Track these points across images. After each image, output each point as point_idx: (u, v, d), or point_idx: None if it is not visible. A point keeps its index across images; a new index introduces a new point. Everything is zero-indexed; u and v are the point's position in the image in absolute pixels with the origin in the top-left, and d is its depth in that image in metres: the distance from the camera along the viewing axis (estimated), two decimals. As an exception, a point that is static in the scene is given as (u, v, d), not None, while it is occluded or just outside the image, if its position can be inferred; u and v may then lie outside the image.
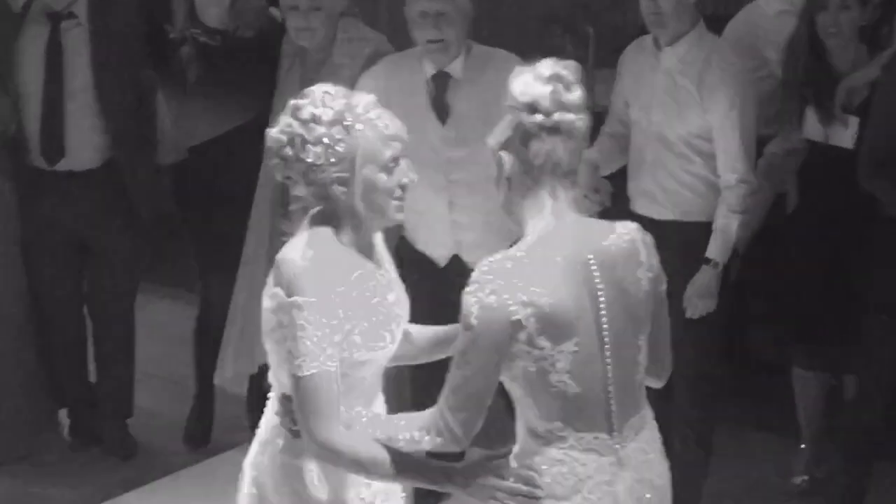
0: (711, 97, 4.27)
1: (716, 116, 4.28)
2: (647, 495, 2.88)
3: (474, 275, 2.73)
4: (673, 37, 4.30)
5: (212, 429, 5.16)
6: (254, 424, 3.02)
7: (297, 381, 2.76)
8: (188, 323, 5.21)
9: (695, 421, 4.47)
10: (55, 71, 4.70)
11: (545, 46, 5.08)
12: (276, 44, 4.76)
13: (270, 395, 2.94)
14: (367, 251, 2.92)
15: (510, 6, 6.82)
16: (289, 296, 2.75)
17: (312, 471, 2.88)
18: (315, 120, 2.79)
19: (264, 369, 2.96)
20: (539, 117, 2.73)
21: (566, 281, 2.75)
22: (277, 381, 2.88)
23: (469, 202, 4.45)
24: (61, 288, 5.01)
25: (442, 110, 4.31)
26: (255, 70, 4.80)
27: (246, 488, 2.98)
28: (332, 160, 2.80)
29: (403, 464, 2.76)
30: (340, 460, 2.78)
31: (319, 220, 2.89)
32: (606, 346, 2.79)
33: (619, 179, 4.59)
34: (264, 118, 4.36)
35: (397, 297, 2.95)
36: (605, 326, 2.79)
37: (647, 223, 4.31)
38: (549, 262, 2.75)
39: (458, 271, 3.73)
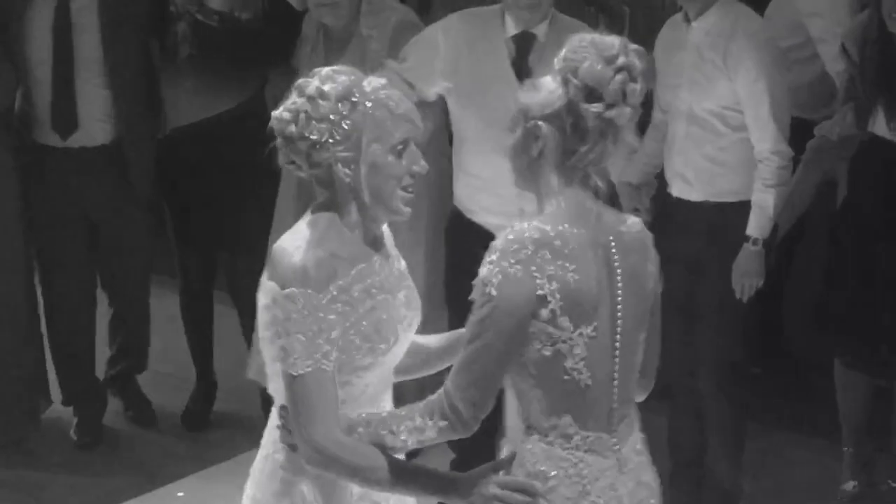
0: (737, 66, 4.25)
1: (742, 85, 4.25)
2: (652, 501, 2.85)
3: (496, 243, 2.64)
4: (701, 9, 4.28)
5: (210, 412, 5.20)
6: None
7: (290, 380, 2.66)
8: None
9: (728, 406, 4.46)
10: (64, 43, 4.70)
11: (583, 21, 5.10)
12: (281, 28, 4.79)
13: (273, 408, 2.84)
14: (373, 244, 2.81)
15: None
16: (283, 288, 2.64)
17: (311, 491, 2.78)
18: (321, 95, 2.69)
19: None
20: (599, 107, 2.63)
21: (591, 260, 2.68)
22: (277, 391, 2.78)
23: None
24: (73, 269, 5.02)
25: (522, 71, 4.18)
26: (248, 54, 4.80)
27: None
28: (337, 137, 2.70)
29: (402, 472, 2.69)
30: (335, 466, 2.69)
31: (321, 208, 2.79)
32: (617, 338, 2.73)
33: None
34: (256, 104, 4.41)
35: (407, 297, 2.85)
36: (619, 315, 2.73)
37: (683, 206, 4.43)
38: (575, 239, 2.66)
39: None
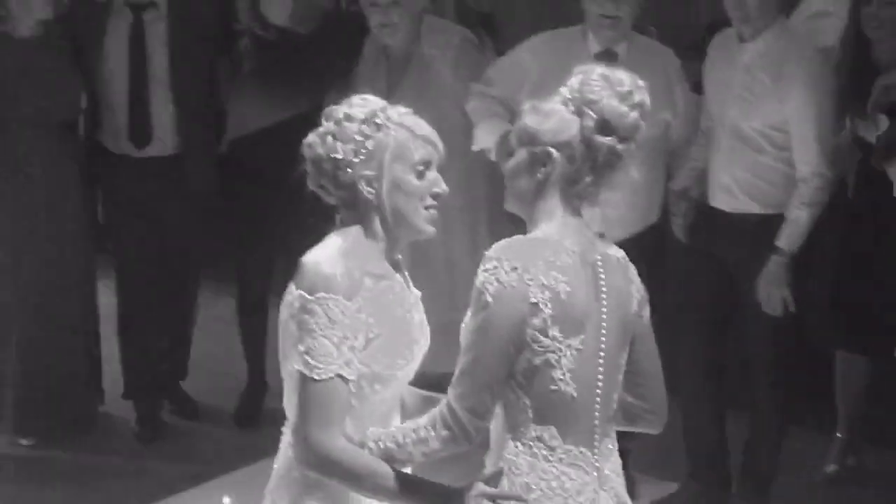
0: (789, 90, 4.39)
1: (792, 108, 4.40)
2: None
3: (491, 252, 2.69)
4: (755, 31, 4.42)
5: (261, 409, 5.35)
6: None
7: (309, 383, 2.67)
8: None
9: (775, 401, 4.68)
10: (139, 59, 4.98)
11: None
12: (338, 42, 4.97)
13: (285, 428, 2.86)
14: (393, 264, 2.87)
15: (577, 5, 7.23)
16: (311, 294, 2.68)
17: None
18: (347, 118, 2.79)
19: None
20: (612, 141, 2.74)
21: (581, 275, 2.74)
22: (293, 408, 2.79)
23: (621, 181, 4.65)
24: (144, 270, 5.26)
25: None
26: (306, 67, 4.98)
27: None
28: (361, 157, 2.77)
29: (400, 482, 2.70)
30: (337, 471, 2.71)
31: (344, 224, 2.85)
32: (601, 353, 2.78)
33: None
34: (314, 116, 4.74)
35: (420, 322, 2.90)
36: (603, 332, 2.78)
37: (723, 216, 4.58)
38: (567, 253, 2.73)
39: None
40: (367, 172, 2.72)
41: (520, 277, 2.61)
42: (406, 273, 2.87)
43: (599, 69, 2.76)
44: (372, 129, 2.73)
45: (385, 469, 2.65)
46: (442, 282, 4.74)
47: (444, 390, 2.70)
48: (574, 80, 2.75)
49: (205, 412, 5.54)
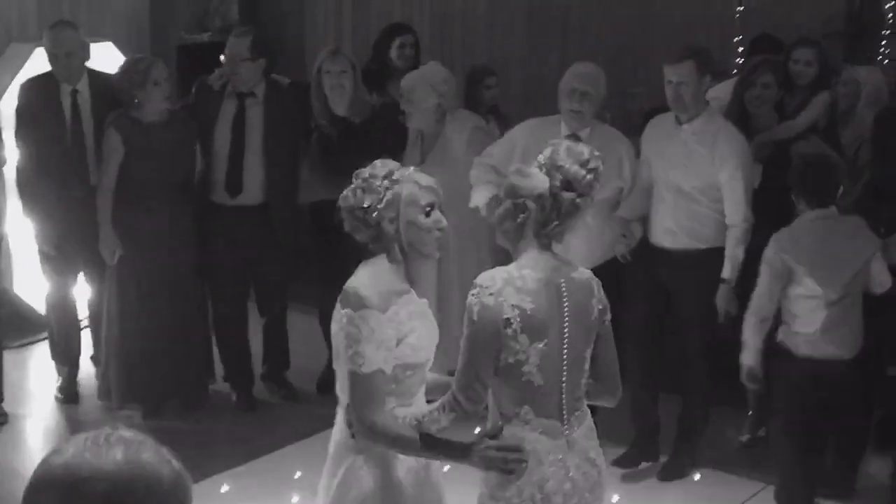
0: (724, 160, 5.08)
1: (726, 173, 5.09)
2: (594, 471, 3.26)
3: (477, 281, 3.10)
4: (690, 116, 5.17)
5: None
6: None
7: (358, 378, 3.08)
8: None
9: (703, 385, 5.38)
10: (240, 133, 5.94)
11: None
12: (382, 128, 5.77)
13: (339, 408, 3.25)
14: (411, 281, 3.25)
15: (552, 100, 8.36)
16: (356, 311, 3.07)
17: (362, 461, 3.18)
18: (372, 176, 3.20)
19: None
20: (572, 195, 3.11)
21: (544, 295, 3.11)
22: (343, 391, 3.19)
23: (578, 227, 4.90)
24: (234, 293, 6.16)
25: None
26: (360, 150, 5.12)
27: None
28: (382, 204, 3.16)
29: (428, 442, 3.10)
30: (381, 439, 3.12)
31: (374, 254, 3.26)
32: (565, 351, 3.15)
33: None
34: None
35: (431, 321, 3.30)
36: (566, 335, 3.15)
37: (665, 252, 5.24)
38: (533, 280, 3.11)
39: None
40: (389, 214, 3.17)
41: (496, 300, 3.05)
42: (423, 285, 3.33)
43: (566, 143, 3.22)
44: (390, 183, 3.19)
45: (414, 435, 3.10)
46: (459, 298, 4.99)
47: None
48: (546, 150, 3.17)
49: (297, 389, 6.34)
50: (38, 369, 6.84)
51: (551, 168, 3.11)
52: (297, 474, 5.40)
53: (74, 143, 6.07)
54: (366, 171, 3.21)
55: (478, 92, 6.98)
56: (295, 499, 5.24)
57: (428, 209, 3.19)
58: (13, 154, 6.14)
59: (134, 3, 7.92)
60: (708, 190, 5.19)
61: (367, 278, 3.16)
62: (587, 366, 3.23)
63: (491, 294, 3.06)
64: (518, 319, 3.06)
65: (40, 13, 7.23)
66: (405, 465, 3.24)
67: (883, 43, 9.17)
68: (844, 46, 8.39)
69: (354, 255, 5.71)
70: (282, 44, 7.93)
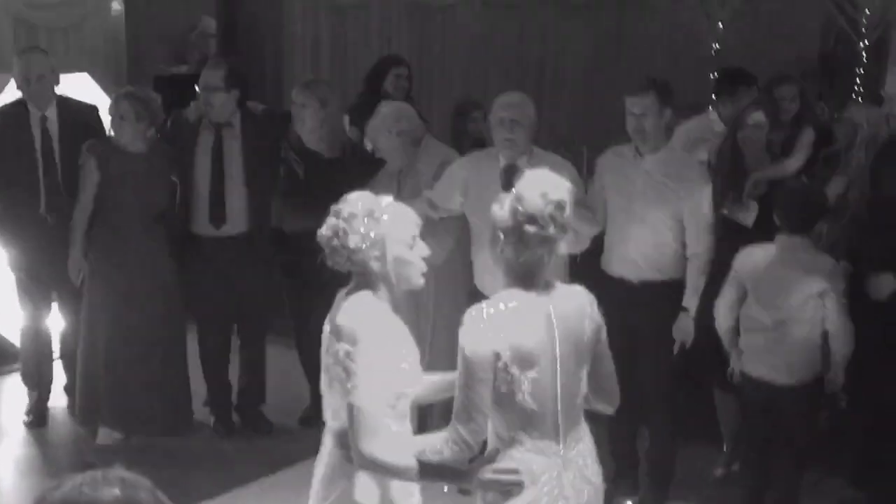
0: (689, 191, 5.11)
1: (690, 204, 5.12)
2: (589, 488, 3.32)
3: (466, 317, 3.17)
4: (652, 148, 5.18)
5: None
6: None
7: (356, 410, 3.11)
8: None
9: (669, 420, 5.34)
10: (218, 163, 6.00)
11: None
12: (352, 165, 5.78)
13: (327, 434, 3.31)
14: (395, 308, 3.30)
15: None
16: (352, 346, 3.10)
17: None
18: (352, 216, 3.17)
19: None
20: (534, 229, 3.17)
21: (532, 325, 3.18)
22: (339, 419, 3.23)
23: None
24: (218, 322, 6.24)
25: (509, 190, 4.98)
26: (328, 185, 5.42)
27: None
28: (368, 243, 3.17)
29: (428, 470, 3.18)
30: (382, 469, 3.16)
31: (359, 288, 3.25)
32: (559, 375, 3.23)
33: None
34: None
35: (415, 346, 3.35)
36: (558, 361, 3.23)
37: (625, 283, 5.17)
38: (521, 311, 3.19)
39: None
40: (375, 253, 3.20)
41: (485, 336, 3.14)
42: (400, 313, 3.34)
43: (537, 172, 3.29)
44: (373, 223, 3.19)
45: (414, 463, 3.15)
46: (438, 328, 5.41)
47: None
48: (519, 181, 3.26)
49: (273, 417, 6.39)
50: (9, 400, 6.86)
51: (515, 200, 3.18)
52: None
53: (45, 170, 6.13)
54: (345, 209, 3.21)
55: (463, 125, 7.04)
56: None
57: (411, 241, 3.25)
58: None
59: (111, 35, 7.91)
60: (672, 221, 5.21)
61: (358, 313, 3.18)
62: (583, 385, 3.31)
63: (480, 328, 3.13)
64: (508, 352, 3.13)
65: (16, 44, 7.17)
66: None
67: (857, 81, 9.25)
68: (820, 84, 8.43)
69: (323, 285, 5.49)
70: (261, 76, 7.95)
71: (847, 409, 5.45)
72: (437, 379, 3.46)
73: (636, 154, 5.26)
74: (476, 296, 4.80)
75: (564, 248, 3.24)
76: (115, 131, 5.95)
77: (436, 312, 5.62)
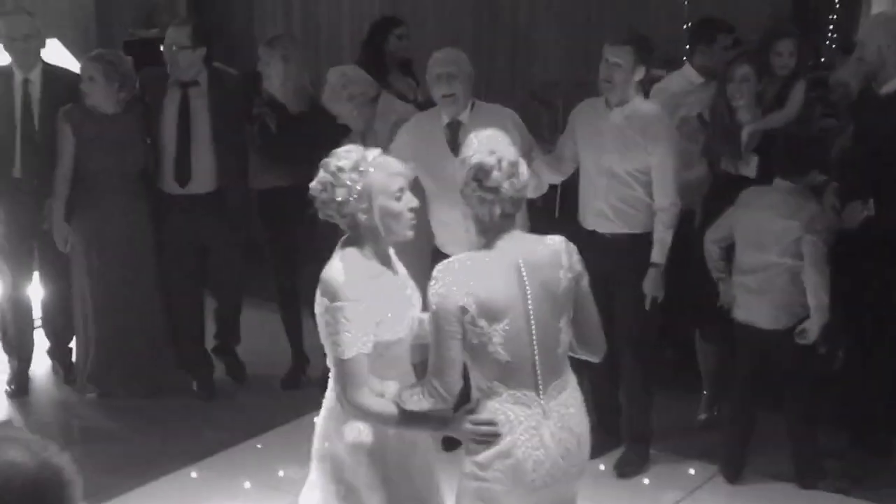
0: (655, 144, 5.15)
1: (656, 158, 5.17)
2: (573, 441, 3.37)
3: (433, 272, 3.24)
4: (621, 100, 5.21)
5: (301, 378, 6.28)
6: None
7: (340, 363, 3.23)
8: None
9: (641, 374, 5.41)
10: (185, 122, 6.05)
11: (528, 114, 6.07)
12: (319, 119, 5.84)
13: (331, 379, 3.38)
14: (385, 261, 3.39)
15: (503, 84, 8.16)
16: (332, 302, 3.20)
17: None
18: (339, 170, 3.28)
19: None
20: (477, 185, 3.29)
21: (500, 278, 3.25)
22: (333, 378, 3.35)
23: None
24: (188, 281, 6.25)
25: (455, 148, 4.95)
26: (298, 139, 5.75)
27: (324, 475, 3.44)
28: (355, 196, 3.27)
29: (411, 418, 3.30)
30: (369, 417, 3.30)
31: (349, 243, 3.34)
32: (533, 326, 3.29)
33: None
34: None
35: (412, 291, 3.47)
36: (531, 312, 3.28)
37: (598, 236, 5.22)
38: (488, 265, 3.27)
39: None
40: (362, 206, 3.30)
41: (449, 289, 3.22)
42: (394, 261, 3.46)
43: (484, 132, 3.38)
44: (358, 175, 3.29)
45: (398, 411, 3.29)
46: None
47: None
48: (468, 145, 3.37)
49: (254, 380, 6.49)
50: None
51: (464, 157, 3.32)
52: (281, 471, 5.46)
53: (23, 134, 6.13)
54: (332, 163, 3.30)
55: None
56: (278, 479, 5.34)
57: (398, 194, 3.31)
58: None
59: (79, 0, 7.84)
60: (640, 174, 5.24)
61: (342, 265, 3.27)
62: (563, 335, 3.35)
63: (445, 283, 3.20)
64: (473, 306, 3.19)
65: (-15, 9, 7.10)
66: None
67: (830, 28, 9.24)
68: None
69: (307, 243, 5.77)
70: (231, 37, 7.90)
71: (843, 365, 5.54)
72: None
73: (606, 106, 5.29)
74: (438, 255, 4.87)
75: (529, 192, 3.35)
76: (85, 94, 5.99)
77: None
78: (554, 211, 6.57)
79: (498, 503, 3.32)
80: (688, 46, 6.71)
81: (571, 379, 3.45)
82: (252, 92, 6.19)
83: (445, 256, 3.69)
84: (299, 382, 6.41)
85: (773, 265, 5.14)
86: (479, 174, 3.26)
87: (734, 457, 5.44)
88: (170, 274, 6.29)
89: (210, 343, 6.64)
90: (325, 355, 3.40)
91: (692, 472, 5.54)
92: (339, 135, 5.70)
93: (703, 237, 5.47)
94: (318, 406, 3.55)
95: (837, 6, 9.28)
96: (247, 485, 5.36)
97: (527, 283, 3.28)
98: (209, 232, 6.18)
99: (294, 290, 6.34)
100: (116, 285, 6.08)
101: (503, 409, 3.30)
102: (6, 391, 6.50)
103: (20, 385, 6.48)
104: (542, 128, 7.02)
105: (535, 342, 3.29)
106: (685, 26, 8.46)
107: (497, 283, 3.24)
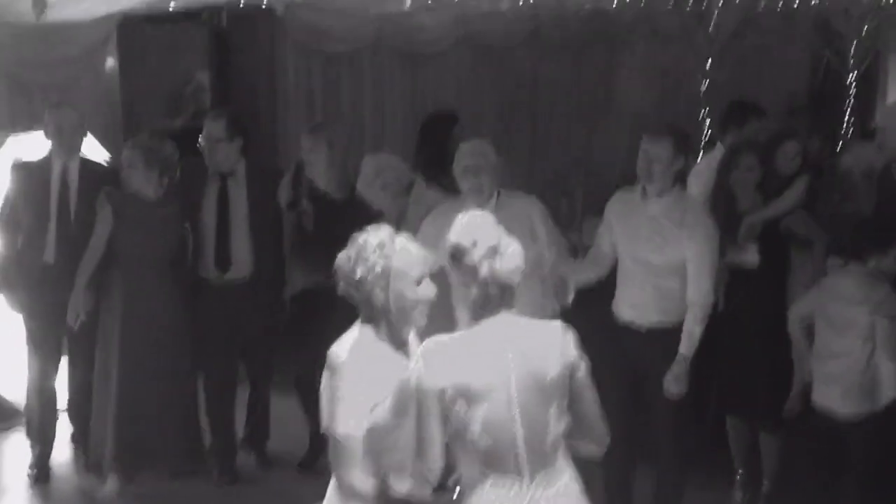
0: (692, 238, 5.09)
1: (692, 251, 5.10)
2: None
3: (417, 352, 3.23)
4: (660, 191, 5.16)
5: (319, 460, 6.07)
6: None
7: (333, 438, 3.27)
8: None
9: (679, 464, 5.38)
10: (224, 210, 6.19)
11: (548, 202, 5.93)
12: (360, 204, 5.87)
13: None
14: (398, 345, 3.38)
15: (523, 174, 8.32)
16: (332, 377, 3.25)
17: None
18: (365, 248, 3.34)
19: None
20: (472, 263, 3.27)
21: (482, 362, 3.21)
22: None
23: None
24: (223, 365, 6.31)
25: None
26: (339, 224, 5.51)
27: None
28: (373, 276, 3.30)
29: (396, 501, 3.28)
30: (357, 497, 3.30)
31: (365, 320, 3.37)
32: (516, 413, 3.23)
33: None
34: None
35: None
36: (514, 398, 3.23)
37: (634, 328, 5.22)
38: (471, 348, 3.23)
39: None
40: (380, 285, 3.32)
41: (430, 370, 3.19)
42: (412, 348, 3.42)
43: (467, 216, 3.35)
44: (381, 256, 3.31)
45: (384, 496, 3.27)
46: None
47: None
48: (452, 228, 3.35)
49: (277, 462, 6.52)
50: (11, 456, 6.86)
51: (447, 242, 3.30)
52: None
53: (59, 219, 6.23)
54: (361, 238, 3.33)
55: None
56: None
57: (419, 281, 3.32)
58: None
59: (106, 92, 7.97)
60: (676, 266, 5.18)
61: (350, 342, 3.29)
62: (552, 425, 3.28)
63: (427, 364, 3.17)
64: (451, 389, 3.16)
65: (10, 102, 7.17)
66: None
67: (846, 115, 9.33)
68: (809, 120, 8.51)
69: (326, 327, 5.65)
70: (255, 129, 8.00)
71: None
72: None
73: (643, 196, 5.26)
74: None
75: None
76: (125, 180, 6.11)
77: None
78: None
79: None
80: (719, 128, 6.80)
81: (568, 470, 3.38)
82: (292, 182, 6.30)
83: None
84: (316, 465, 6.36)
85: (849, 350, 5.12)
86: (456, 254, 3.25)
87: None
88: (207, 358, 6.33)
89: (240, 431, 6.68)
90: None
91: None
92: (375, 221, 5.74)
93: (724, 325, 5.48)
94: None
95: (853, 91, 9.36)
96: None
97: (512, 368, 3.23)
98: (245, 317, 6.24)
99: (312, 378, 6.33)
100: (144, 368, 6.09)
101: (486, 497, 3.25)
102: (28, 476, 6.51)
103: (42, 471, 6.48)
104: (561, 216, 7.07)
105: (519, 428, 3.23)
106: (701, 114, 8.59)
107: (478, 367, 3.20)
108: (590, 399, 3.37)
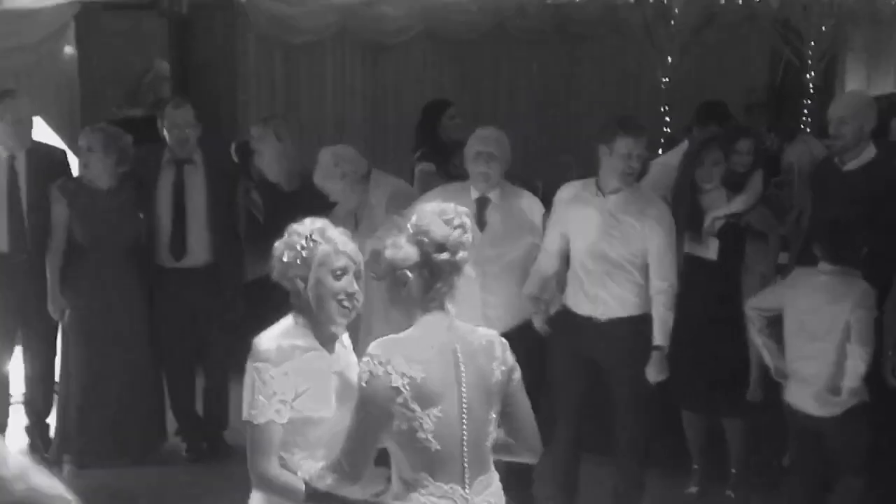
0: (653, 230, 5.19)
1: (655, 242, 5.20)
2: None
3: (368, 349, 3.14)
4: (616, 188, 5.21)
5: None
6: None
7: (251, 427, 3.22)
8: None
9: (640, 454, 5.43)
10: (180, 198, 6.19)
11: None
12: (312, 195, 5.87)
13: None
14: (324, 337, 3.34)
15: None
16: (253, 362, 3.22)
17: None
18: (296, 234, 3.34)
19: None
20: (446, 255, 3.19)
21: (436, 362, 3.15)
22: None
23: (496, 287, 5.33)
24: (181, 352, 6.39)
25: (481, 223, 5.27)
26: (289, 215, 5.83)
27: None
28: (299, 261, 3.29)
29: (317, 498, 3.22)
30: (273, 489, 3.25)
31: (294, 309, 3.35)
32: (464, 415, 3.18)
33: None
34: None
35: (349, 379, 3.34)
36: (464, 400, 3.18)
37: (593, 321, 5.24)
38: (425, 347, 3.16)
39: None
40: (301, 273, 3.32)
41: (385, 369, 3.12)
42: (341, 344, 3.43)
43: (429, 206, 3.27)
44: (308, 243, 3.32)
45: (302, 487, 3.22)
46: None
47: None
48: (413, 217, 3.24)
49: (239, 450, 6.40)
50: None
51: (419, 234, 3.18)
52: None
53: (10, 211, 6.19)
54: (294, 227, 3.37)
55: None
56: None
57: (339, 273, 3.29)
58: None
59: (64, 79, 7.91)
60: (634, 258, 5.24)
61: (274, 331, 3.30)
62: (491, 428, 3.26)
63: (380, 363, 3.11)
64: (408, 388, 3.11)
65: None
66: None
67: (805, 112, 9.42)
68: (768, 117, 8.57)
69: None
70: (216, 118, 8.00)
71: None
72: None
73: (596, 191, 5.30)
74: None
75: (470, 270, 3.33)
76: (83, 165, 6.10)
77: None
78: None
79: None
80: (666, 129, 6.84)
81: (496, 477, 3.35)
82: (243, 171, 6.36)
83: None
84: None
85: (824, 353, 5.11)
86: (435, 244, 3.19)
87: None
88: (165, 345, 6.38)
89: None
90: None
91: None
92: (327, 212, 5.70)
93: (679, 315, 5.42)
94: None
95: (811, 89, 9.46)
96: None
97: (462, 369, 3.20)
98: (203, 305, 6.29)
99: None
100: (108, 355, 6.12)
101: (429, 502, 3.19)
102: None
103: None
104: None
105: (465, 432, 3.20)
106: (662, 109, 8.64)
107: (434, 366, 3.16)
108: (525, 405, 3.35)
